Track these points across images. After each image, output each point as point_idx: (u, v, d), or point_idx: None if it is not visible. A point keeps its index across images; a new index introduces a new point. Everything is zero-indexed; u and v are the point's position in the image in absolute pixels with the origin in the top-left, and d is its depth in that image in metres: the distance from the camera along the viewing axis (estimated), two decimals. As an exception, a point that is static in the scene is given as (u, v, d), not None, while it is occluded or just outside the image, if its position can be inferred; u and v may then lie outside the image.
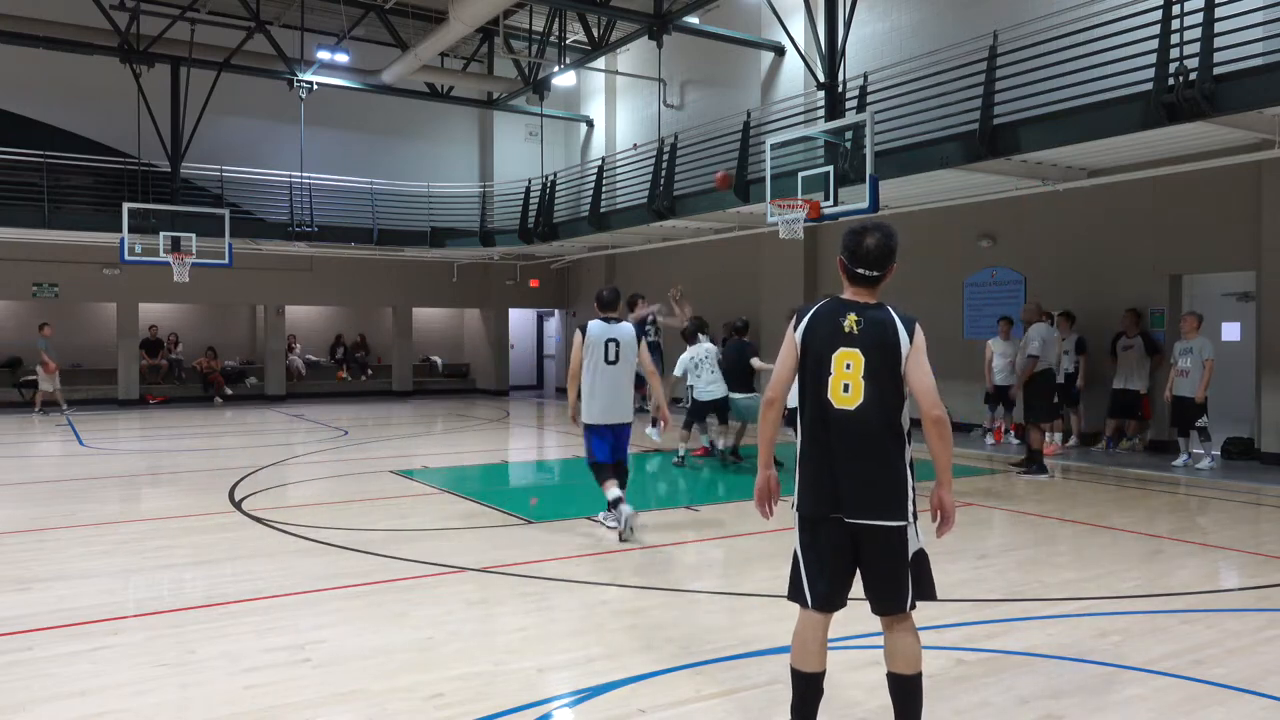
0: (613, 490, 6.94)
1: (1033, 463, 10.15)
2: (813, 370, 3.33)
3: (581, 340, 7.14)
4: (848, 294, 3.40)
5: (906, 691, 3.30)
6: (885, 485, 3.25)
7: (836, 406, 3.28)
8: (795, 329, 3.40)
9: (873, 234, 3.34)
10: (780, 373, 3.43)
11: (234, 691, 3.95)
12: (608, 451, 7.14)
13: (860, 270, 3.35)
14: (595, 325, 7.20)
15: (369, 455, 11.95)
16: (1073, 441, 12.29)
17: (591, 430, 7.13)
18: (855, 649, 4.44)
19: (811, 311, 3.40)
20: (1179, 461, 10.63)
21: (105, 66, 17.92)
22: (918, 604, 3.30)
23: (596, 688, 4.01)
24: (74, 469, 10.80)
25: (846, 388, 3.27)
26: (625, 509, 6.79)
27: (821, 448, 3.31)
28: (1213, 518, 8.00)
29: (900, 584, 3.26)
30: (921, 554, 3.34)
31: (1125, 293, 12.13)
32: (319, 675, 4.15)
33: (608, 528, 7.10)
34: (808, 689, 3.34)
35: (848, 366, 3.27)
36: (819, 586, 3.30)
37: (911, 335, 3.31)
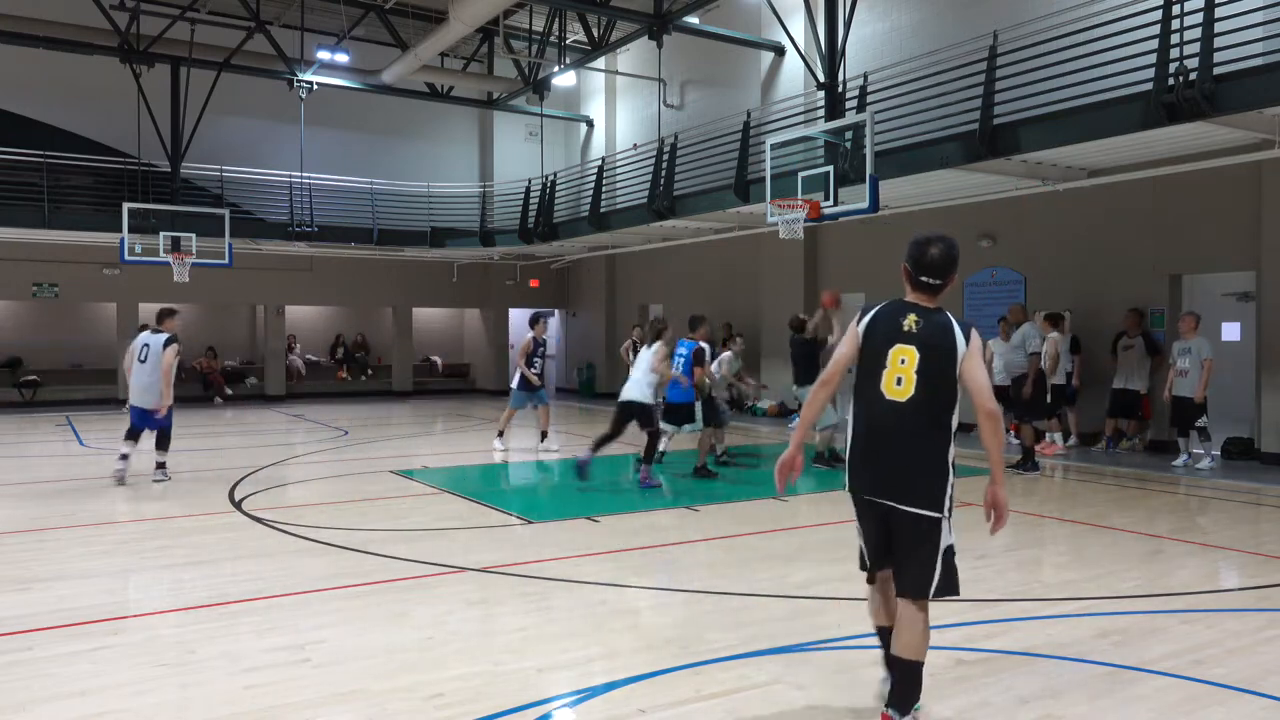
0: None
1: (1028, 460, 10.25)
2: (869, 363, 3.58)
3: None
4: (910, 297, 3.64)
5: (902, 673, 3.49)
6: (921, 475, 3.45)
7: (888, 398, 3.51)
8: (859, 323, 3.67)
9: (937, 245, 3.61)
10: (838, 359, 3.70)
11: (234, 691, 3.95)
12: None
13: (924, 278, 3.60)
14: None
15: (369, 455, 11.95)
16: (1072, 441, 12.29)
17: None
18: (850, 649, 4.44)
19: (876, 309, 3.66)
20: (1179, 462, 10.62)
21: (105, 66, 17.92)
22: (940, 598, 3.48)
23: (596, 688, 4.01)
24: (74, 469, 10.80)
25: (899, 381, 3.50)
26: None
27: (869, 434, 3.56)
28: (1213, 518, 8.00)
29: (925, 571, 3.45)
30: (951, 550, 3.50)
31: (1125, 293, 12.13)
32: (319, 675, 4.15)
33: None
34: (884, 642, 3.69)
35: (902, 362, 3.50)
36: (866, 558, 3.68)
37: (968, 339, 3.52)
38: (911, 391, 3.46)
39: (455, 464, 11.29)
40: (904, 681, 3.47)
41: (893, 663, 3.51)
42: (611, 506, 8.43)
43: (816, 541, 7.05)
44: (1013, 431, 11.80)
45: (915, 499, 3.42)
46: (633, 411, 9.61)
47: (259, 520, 7.65)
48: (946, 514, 3.44)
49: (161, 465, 9.69)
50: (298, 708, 3.78)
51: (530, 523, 7.61)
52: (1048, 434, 11.93)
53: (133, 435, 9.63)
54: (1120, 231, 12.27)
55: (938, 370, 3.46)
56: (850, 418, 3.65)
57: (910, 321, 3.54)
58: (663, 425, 10.16)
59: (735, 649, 4.45)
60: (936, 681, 4.01)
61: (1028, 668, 4.22)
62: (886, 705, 3.51)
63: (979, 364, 3.50)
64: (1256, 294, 11.04)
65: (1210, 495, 9.01)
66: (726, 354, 11.27)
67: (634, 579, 5.83)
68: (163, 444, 9.71)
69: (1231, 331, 11.50)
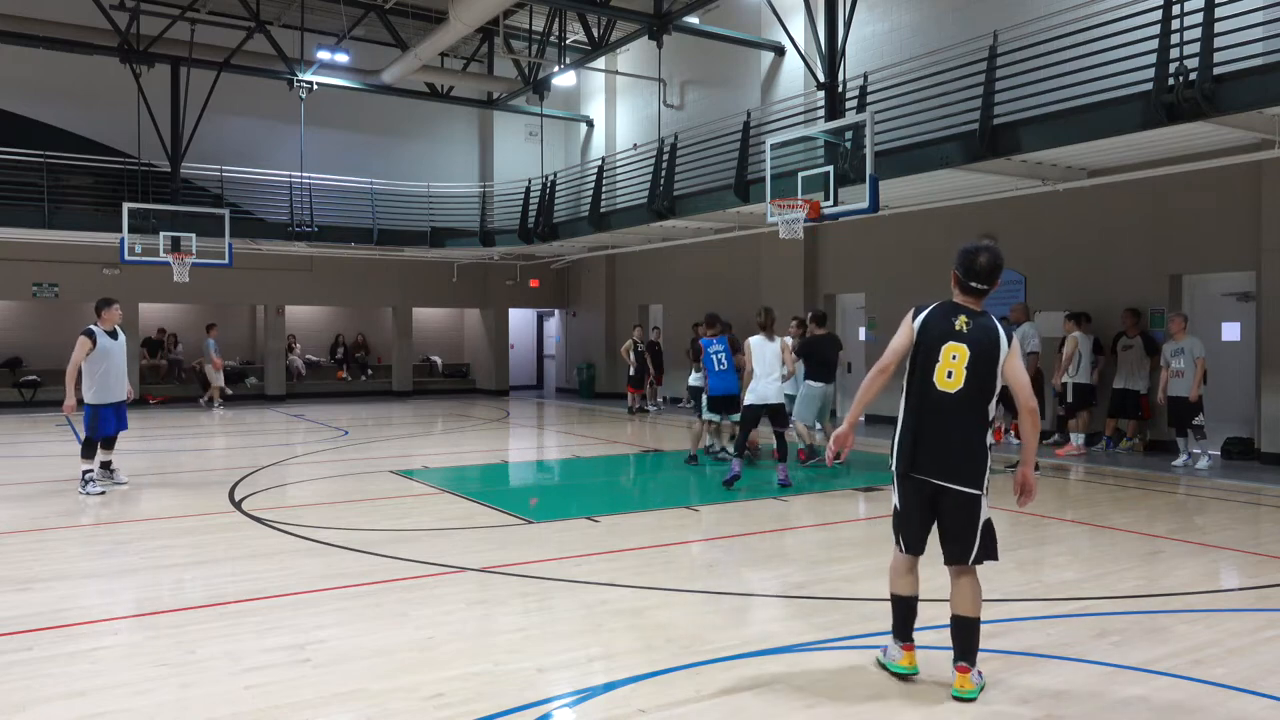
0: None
1: None
2: (924, 357, 4.00)
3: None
4: (959, 299, 4.08)
5: (965, 629, 3.92)
6: (967, 458, 3.93)
7: (939, 389, 3.95)
8: (913, 320, 4.08)
9: (985, 254, 4.02)
10: (895, 348, 4.10)
11: (234, 691, 3.95)
12: None
13: (973, 284, 4.03)
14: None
15: (369, 455, 11.95)
16: (1081, 440, 12.25)
17: None
18: (850, 649, 4.45)
19: (929, 309, 4.08)
20: (1179, 462, 10.64)
21: (105, 66, 17.93)
22: (981, 563, 3.97)
23: (596, 688, 4.01)
24: (74, 469, 10.78)
25: (950, 374, 3.94)
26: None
27: (919, 420, 3.99)
28: (1213, 518, 8.00)
29: (969, 541, 3.94)
30: (989, 522, 3.99)
31: (1125, 293, 12.13)
32: (319, 675, 4.15)
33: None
34: (907, 610, 4.07)
35: (954, 358, 3.94)
36: (906, 533, 4.06)
37: (1010, 341, 3.98)
38: (961, 384, 3.91)
39: (455, 464, 11.29)
40: (969, 636, 3.91)
41: (954, 622, 3.94)
42: (611, 506, 8.44)
43: (816, 542, 7.05)
44: (1012, 431, 11.80)
45: (963, 479, 3.90)
46: (769, 410, 9.33)
47: (259, 520, 7.65)
48: (985, 491, 3.93)
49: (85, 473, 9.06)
50: (298, 708, 3.78)
51: (530, 523, 7.61)
52: (1071, 434, 11.91)
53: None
54: (1120, 231, 12.27)
55: (985, 367, 3.91)
56: (902, 407, 4.05)
57: (961, 322, 3.97)
58: (709, 415, 10.61)
59: (735, 649, 4.45)
60: (937, 682, 4.02)
61: (1028, 668, 4.22)
62: (958, 659, 3.88)
63: (1020, 363, 3.99)
64: (1256, 294, 11.04)
65: (1210, 495, 9.01)
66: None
67: (634, 579, 5.83)
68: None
69: (1231, 331, 11.50)
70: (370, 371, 23.51)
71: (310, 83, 18.88)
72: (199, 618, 4.98)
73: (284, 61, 18.32)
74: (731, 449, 10.85)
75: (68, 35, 16.92)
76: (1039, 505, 8.39)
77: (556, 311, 25.40)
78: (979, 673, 3.91)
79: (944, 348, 3.95)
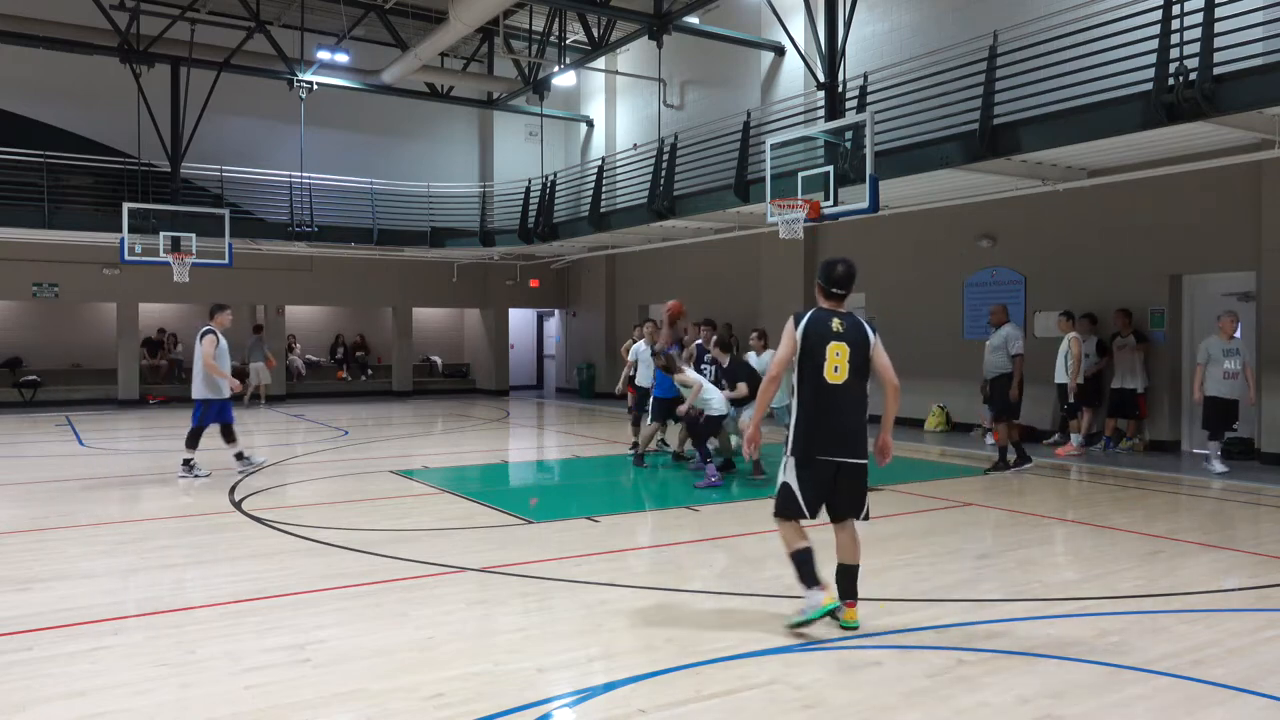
0: None
1: (1023, 460, 10.30)
2: (812, 357, 4.71)
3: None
4: (825, 305, 4.86)
5: (853, 574, 4.80)
6: (860, 436, 4.75)
7: (830, 382, 4.69)
8: (796, 328, 4.76)
9: (841, 264, 4.87)
10: (781, 358, 4.79)
11: (234, 691, 3.95)
12: None
13: (834, 290, 4.86)
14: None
15: (369, 455, 11.95)
16: (1080, 440, 12.24)
17: None
18: (850, 649, 4.44)
19: (806, 318, 4.77)
20: (1216, 467, 10.04)
21: (105, 66, 17.92)
22: (868, 518, 4.85)
23: (596, 688, 4.01)
24: (74, 469, 10.80)
25: (837, 369, 4.70)
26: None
27: (816, 411, 4.71)
28: (1212, 518, 8.00)
29: (861, 501, 4.82)
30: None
31: (1125, 293, 12.13)
32: (319, 675, 4.15)
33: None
34: (810, 557, 4.75)
35: (838, 354, 4.70)
36: (808, 503, 4.73)
37: (874, 333, 4.83)
38: (846, 376, 4.70)
39: (455, 464, 11.29)
40: (855, 579, 4.80)
41: (844, 570, 4.78)
42: (611, 506, 8.44)
43: (815, 542, 7.03)
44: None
45: (859, 452, 4.73)
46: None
47: (259, 520, 7.65)
48: (867, 458, 4.79)
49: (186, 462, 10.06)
50: (298, 708, 3.78)
51: (530, 523, 7.61)
52: (1071, 434, 11.89)
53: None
54: (1120, 231, 12.27)
55: (860, 359, 4.73)
56: (795, 402, 4.75)
57: (837, 324, 4.73)
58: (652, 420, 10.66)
59: (735, 649, 4.45)
60: (937, 682, 4.02)
61: (1028, 668, 4.22)
62: (845, 597, 4.73)
63: (882, 351, 4.82)
64: (1256, 294, 11.04)
65: (1210, 495, 9.01)
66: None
67: (634, 579, 5.83)
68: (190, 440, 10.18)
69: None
70: (370, 371, 23.51)
71: (310, 83, 18.88)
72: (199, 618, 4.98)
73: (284, 61, 18.31)
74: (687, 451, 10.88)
75: (68, 35, 16.91)
76: (1039, 505, 8.40)
77: (556, 311, 25.40)
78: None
79: (828, 347, 4.68)
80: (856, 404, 4.71)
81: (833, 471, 4.69)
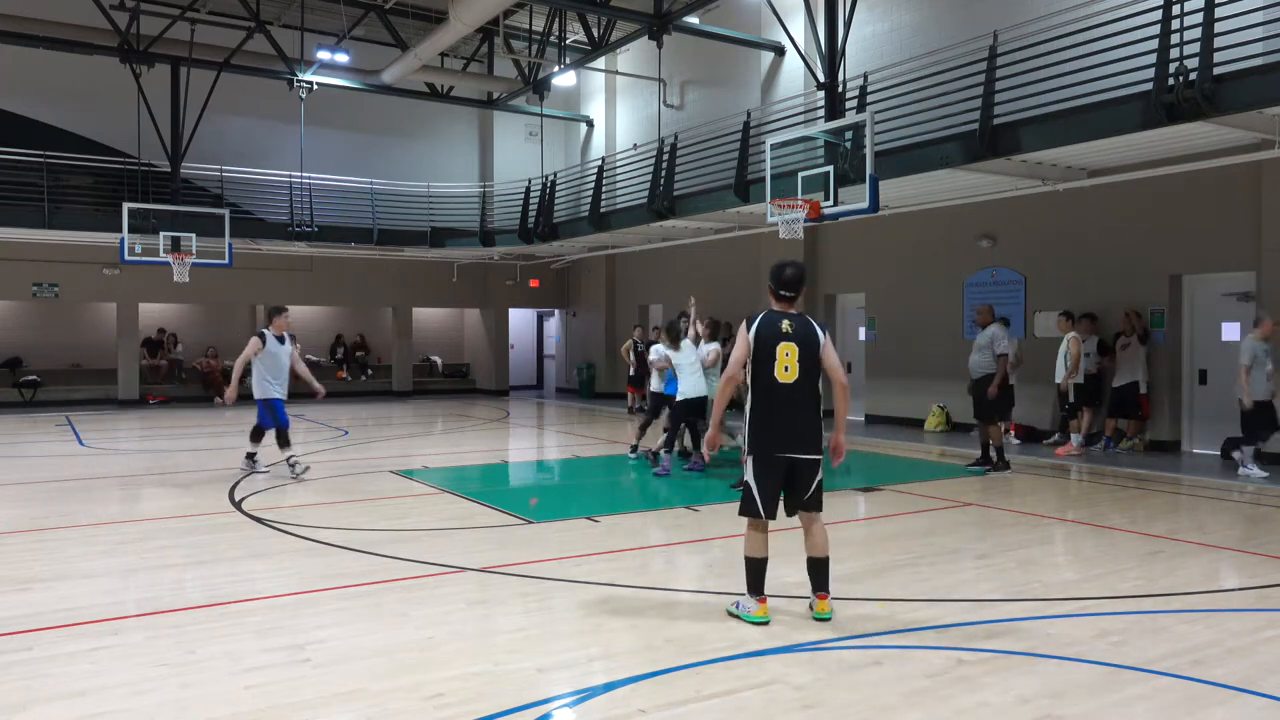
0: None
1: (991, 459, 10.36)
2: (763, 357, 4.88)
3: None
4: (777, 307, 5.01)
5: (823, 566, 4.94)
6: (813, 432, 4.90)
7: (780, 381, 4.85)
8: (748, 330, 4.92)
9: (791, 268, 5.02)
10: (736, 359, 4.94)
11: (234, 691, 3.95)
12: None
13: (783, 292, 5.02)
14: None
15: (369, 455, 11.95)
16: (1080, 440, 12.23)
17: None
18: (850, 649, 4.44)
19: (758, 320, 4.94)
20: (1253, 472, 9.73)
21: (105, 66, 17.92)
22: (823, 510, 5.01)
23: (596, 688, 4.01)
24: (74, 469, 10.80)
25: (787, 369, 4.85)
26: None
27: (769, 409, 4.88)
28: (1212, 517, 7.99)
29: (818, 494, 4.97)
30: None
31: (1125, 293, 12.13)
32: (319, 675, 4.15)
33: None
34: (762, 570, 4.92)
35: (787, 354, 4.85)
36: (768, 503, 4.89)
37: (824, 333, 4.95)
38: (796, 375, 4.84)
39: (455, 464, 11.29)
40: (826, 571, 4.94)
41: (814, 563, 4.94)
42: (611, 506, 8.44)
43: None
44: (1012, 432, 11.75)
45: (811, 448, 4.88)
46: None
47: (259, 520, 7.65)
48: (823, 453, 4.92)
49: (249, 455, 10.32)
50: (298, 708, 3.78)
51: (530, 523, 7.61)
52: (1071, 434, 11.88)
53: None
54: (1120, 231, 12.27)
55: (809, 358, 4.87)
56: (749, 401, 4.92)
57: (786, 325, 4.88)
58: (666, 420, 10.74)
59: (735, 649, 4.46)
60: (937, 682, 4.02)
61: (1028, 668, 4.22)
62: (818, 590, 4.92)
63: (833, 351, 4.96)
64: (1256, 294, 11.04)
65: (1210, 495, 9.01)
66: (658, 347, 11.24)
67: (634, 579, 5.83)
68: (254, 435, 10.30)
69: (1231, 331, 11.49)
70: (370, 371, 23.51)
71: (310, 83, 18.88)
72: (199, 618, 4.98)
73: (284, 61, 18.31)
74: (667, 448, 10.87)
75: (68, 35, 16.91)
76: (1039, 505, 8.40)
77: (556, 311, 25.40)
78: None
79: (778, 348, 4.84)
80: (807, 402, 4.87)
81: (786, 468, 4.86)
